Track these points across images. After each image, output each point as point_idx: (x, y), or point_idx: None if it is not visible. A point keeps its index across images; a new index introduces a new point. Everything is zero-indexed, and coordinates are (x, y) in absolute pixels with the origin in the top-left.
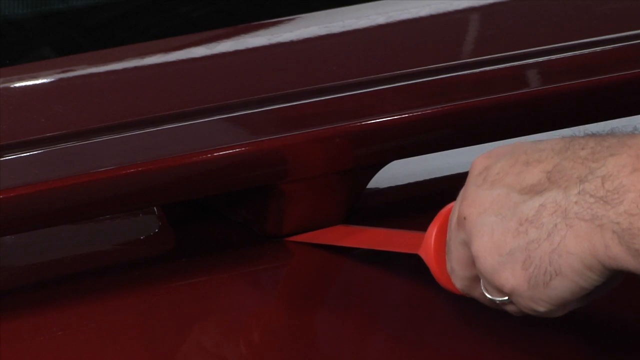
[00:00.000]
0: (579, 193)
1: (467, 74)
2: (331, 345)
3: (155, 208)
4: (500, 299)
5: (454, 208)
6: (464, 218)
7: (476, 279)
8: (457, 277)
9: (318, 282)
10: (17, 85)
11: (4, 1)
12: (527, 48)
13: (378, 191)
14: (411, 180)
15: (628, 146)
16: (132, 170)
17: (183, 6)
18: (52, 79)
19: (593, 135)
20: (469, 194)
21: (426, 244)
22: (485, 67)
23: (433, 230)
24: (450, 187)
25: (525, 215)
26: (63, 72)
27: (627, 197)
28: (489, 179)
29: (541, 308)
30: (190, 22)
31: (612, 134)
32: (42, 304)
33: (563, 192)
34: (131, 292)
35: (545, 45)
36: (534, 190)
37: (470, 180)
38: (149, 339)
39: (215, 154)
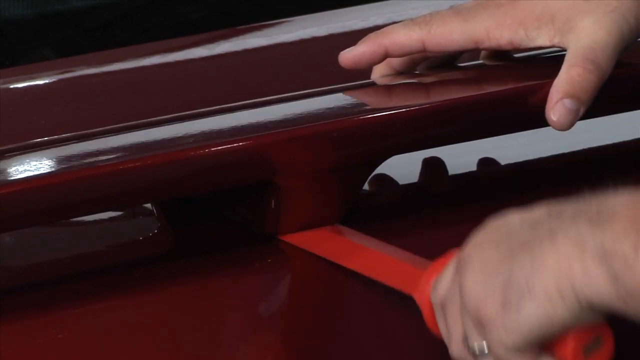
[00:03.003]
0: (572, 218)
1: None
2: (333, 345)
3: (154, 209)
4: (479, 348)
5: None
6: (464, 257)
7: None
8: (453, 341)
9: (320, 281)
10: (16, 86)
11: (4, 2)
12: None
13: (377, 190)
14: (411, 180)
15: (632, 192)
16: (128, 165)
17: (183, 7)
18: (52, 81)
19: None
20: (473, 237)
21: (422, 290)
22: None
23: (433, 276)
24: (451, 187)
25: (517, 241)
26: (63, 73)
27: (617, 222)
28: (495, 224)
29: (510, 341)
30: (191, 23)
31: None
32: (42, 305)
33: (559, 220)
34: (130, 293)
35: None
36: (533, 222)
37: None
38: (148, 339)
39: (210, 150)
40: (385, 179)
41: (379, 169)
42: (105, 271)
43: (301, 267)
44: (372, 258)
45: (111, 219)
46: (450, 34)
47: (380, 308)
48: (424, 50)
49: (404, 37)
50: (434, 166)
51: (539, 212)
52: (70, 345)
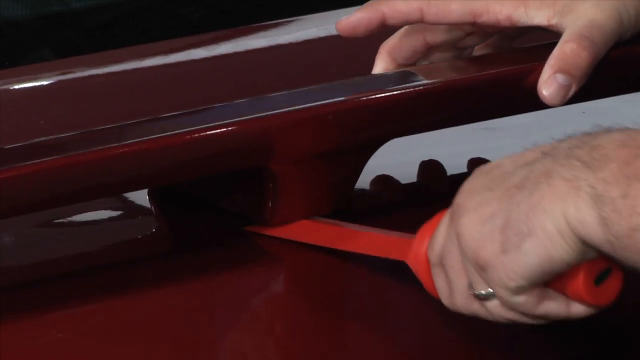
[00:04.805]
0: (566, 157)
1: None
2: (332, 344)
3: (152, 208)
4: (485, 292)
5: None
6: (457, 205)
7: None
8: (456, 292)
9: (320, 279)
10: (16, 87)
11: (3, 2)
12: None
13: (375, 190)
14: (409, 181)
15: (624, 129)
16: (125, 150)
17: (183, 7)
18: (52, 81)
19: None
20: (464, 185)
21: (416, 252)
22: None
23: (425, 236)
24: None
25: (512, 182)
26: (62, 74)
27: (608, 165)
28: (485, 169)
29: (512, 283)
30: (191, 23)
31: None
32: (42, 305)
33: (553, 159)
34: (130, 292)
35: None
36: (526, 163)
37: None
38: (148, 339)
39: (202, 134)
40: (384, 179)
41: (379, 170)
42: (104, 270)
43: (298, 261)
44: (362, 237)
45: (110, 217)
46: (449, 4)
47: (385, 307)
48: (421, 20)
49: (403, 5)
50: (431, 167)
51: (532, 153)
52: (70, 345)
